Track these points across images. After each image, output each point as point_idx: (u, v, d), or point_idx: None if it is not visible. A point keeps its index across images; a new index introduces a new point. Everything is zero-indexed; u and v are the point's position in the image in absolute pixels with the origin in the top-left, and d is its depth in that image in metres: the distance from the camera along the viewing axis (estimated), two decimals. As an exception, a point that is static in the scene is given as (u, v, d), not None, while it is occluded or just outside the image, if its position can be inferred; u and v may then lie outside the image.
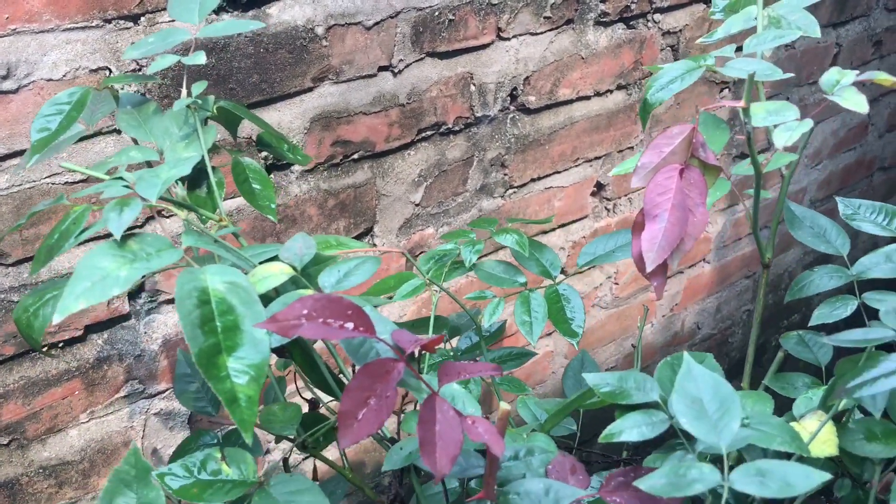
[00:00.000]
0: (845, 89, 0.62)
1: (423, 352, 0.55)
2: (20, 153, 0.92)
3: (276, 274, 0.58)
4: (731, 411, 0.52)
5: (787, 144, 0.56)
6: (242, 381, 0.52)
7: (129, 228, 0.56)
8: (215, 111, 0.71)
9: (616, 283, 1.71)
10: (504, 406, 0.53)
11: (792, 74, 0.63)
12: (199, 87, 0.67)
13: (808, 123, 0.59)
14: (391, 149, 1.25)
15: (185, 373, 0.80)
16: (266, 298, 0.59)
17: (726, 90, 1.71)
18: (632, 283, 1.72)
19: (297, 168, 1.17)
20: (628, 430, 0.59)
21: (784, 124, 0.58)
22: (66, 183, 0.97)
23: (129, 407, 1.14)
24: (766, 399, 0.67)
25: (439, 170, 1.33)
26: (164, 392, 1.16)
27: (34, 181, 0.94)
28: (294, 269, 0.59)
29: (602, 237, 0.77)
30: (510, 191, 1.44)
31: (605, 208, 1.61)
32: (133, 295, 1.09)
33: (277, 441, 0.75)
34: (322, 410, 0.82)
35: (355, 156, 1.22)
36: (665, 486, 0.51)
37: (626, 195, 1.63)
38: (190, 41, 0.70)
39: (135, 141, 0.72)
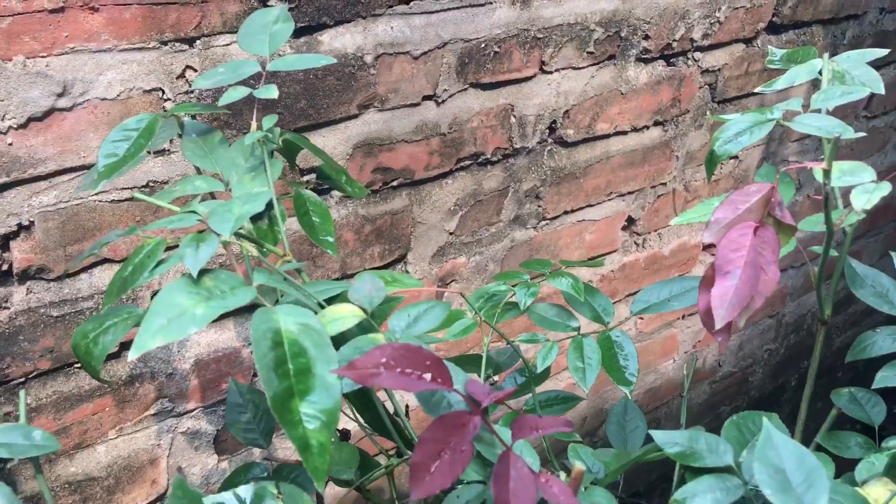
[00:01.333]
0: None
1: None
2: (70, 170, 0.92)
3: (347, 316, 0.58)
4: (818, 486, 0.51)
5: (866, 207, 0.56)
6: (314, 427, 0.51)
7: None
8: (280, 144, 0.70)
9: (641, 318, 1.70)
10: (579, 466, 0.53)
11: (864, 133, 0.62)
12: (269, 121, 0.67)
13: (886, 187, 0.58)
14: (430, 177, 1.25)
15: (237, 402, 0.79)
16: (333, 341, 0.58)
17: (759, 130, 1.71)
18: (656, 318, 1.72)
19: (336, 193, 1.17)
20: (702, 494, 0.58)
21: (861, 186, 0.58)
22: (111, 201, 0.97)
23: (158, 425, 1.13)
24: (829, 463, 0.66)
25: (475, 199, 1.32)
26: (192, 411, 1.16)
27: (81, 198, 0.94)
28: (364, 311, 0.59)
29: (656, 284, 0.76)
30: (543, 222, 1.44)
31: (635, 243, 1.61)
32: (169, 314, 1.08)
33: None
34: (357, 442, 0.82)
35: (394, 183, 1.22)
36: None
37: (656, 230, 1.62)
38: (259, 73, 0.70)
39: (198, 170, 0.72)
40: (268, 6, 0.97)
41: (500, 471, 0.50)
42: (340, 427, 1.02)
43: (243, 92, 0.67)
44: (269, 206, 0.69)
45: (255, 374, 1.21)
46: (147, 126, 0.67)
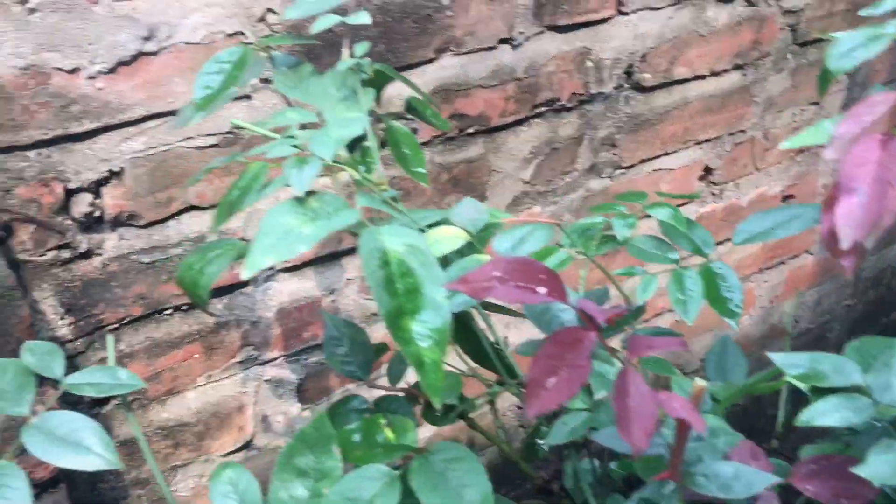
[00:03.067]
0: None
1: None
2: (159, 115, 0.92)
3: (452, 237, 0.57)
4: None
5: None
6: (426, 345, 0.51)
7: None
8: (371, 74, 0.69)
9: (718, 271, 1.66)
10: (699, 382, 0.51)
11: None
12: (361, 48, 0.66)
13: None
14: (505, 124, 1.23)
15: (333, 336, 0.80)
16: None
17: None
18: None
19: (413, 140, 1.16)
20: (829, 413, 0.56)
21: None
22: (198, 147, 0.97)
23: (244, 373, 1.15)
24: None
25: (550, 147, 1.30)
26: (276, 359, 1.17)
27: (169, 144, 0.95)
28: (469, 233, 0.58)
29: (757, 214, 0.73)
30: (618, 171, 1.41)
31: (712, 193, 1.57)
32: (252, 262, 1.09)
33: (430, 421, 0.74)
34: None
35: (470, 130, 1.20)
36: (891, 474, 0.49)
37: (733, 180, 1.58)
38: (346, 4, 0.69)
39: (288, 103, 0.71)
40: (347, -54, 0.96)
41: (620, 387, 0.49)
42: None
43: (334, 20, 0.66)
44: (363, 137, 0.68)
45: (334, 324, 1.21)
46: (240, 58, 0.67)
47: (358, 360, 0.77)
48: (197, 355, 1.09)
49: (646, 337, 0.51)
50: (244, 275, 0.50)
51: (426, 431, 1.33)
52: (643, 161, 1.43)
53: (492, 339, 0.66)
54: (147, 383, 1.07)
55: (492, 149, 1.24)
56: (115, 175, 0.93)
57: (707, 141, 1.49)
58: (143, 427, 1.08)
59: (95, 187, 0.93)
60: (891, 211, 0.54)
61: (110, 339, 0.74)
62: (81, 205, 0.92)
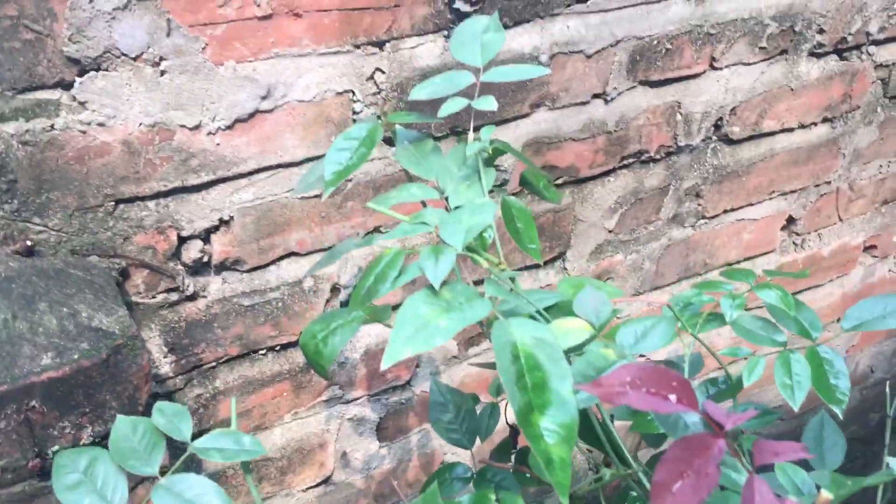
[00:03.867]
0: None
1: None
2: (268, 168, 0.96)
3: (577, 330, 0.58)
4: None
5: None
6: (553, 441, 0.52)
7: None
8: (491, 152, 0.71)
9: (794, 320, 1.64)
10: (826, 494, 0.52)
11: None
12: (488, 132, 0.68)
13: None
14: (593, 175, 1.25)
15: (439, 401, 0.82)
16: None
17: (932, 126, 1.61)
18: (811, 321, 1.65)
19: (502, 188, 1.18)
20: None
21: None
22: (301, 198, 1.01)
23: (328, 411, 1.18)
24: None
25: (635, 197, 1.31)
26: (358, 399, 1.20)
27: (275, 195, 0.98)
28: (592, 326, 0.60)
29: (869, 300, 0.73)
30: (701, 221, 1.41)
31: (794, 243, 1.55)
32: (343, 305, 1.12)
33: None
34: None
35: (559, 180, 1.21)
36: None
37: (816, 230, 1.56)
38: (473, 84, 0.71)
39: (409, 177, 0.74)
40: (462, 12, 0.99)
41: (748, 496, 0.50)
42: (511, 422, 1.03)
43: (462, 103, 0.68)
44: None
45: (417, 365, 1.24)
46: (368, 134, 0.70)
47: (463, 429, 0.79)
48: (286, 393, 1.13)
49: (770, 442, 0.52)
50: (384, 366, 0.52)
51: None
52: (726, 211, 1.43)
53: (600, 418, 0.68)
54: (238, 419, 1.11)
55: (579, 199, 1.25)
56: (224, 223, 0.97)
57: (792, 192, 1.48)
58: (231, 462, 1.12)
59: (206, 234, 0.96)
60: None
61: (233, 401, 0.77)
62: (192, 251, 0.96)
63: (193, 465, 1.10)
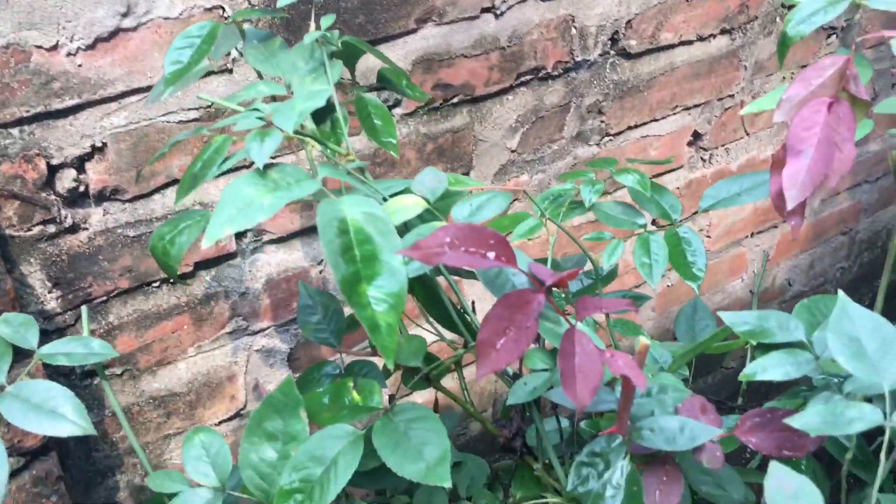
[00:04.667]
0: None
1: (555, 287, 0.55)
2: (138, 91, 0.94)
3: (411, 206, 0.58)
4: (894, 350, 0.51)
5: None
6: (382, 309, 0.52)
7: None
8: (340, 46, 0.70)
9: (708, 236, 1.67)
10: (644, 340, 0.53)
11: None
12: (328, 21, 0.67)
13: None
14: (490, 93, 1.24)
15: (307, 304, 0.81)
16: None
17: (833, 37, 1.63)
18: (724, 236, 1.68)
19: (397, 112, 1.17)
20: (772, 368, 0.58)
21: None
22: (179, 122, 0.99)
23: (233, 343, 1.17)
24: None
25: (536, 116, 1.31)
26: (266, 329, 1.19)
27: (150, 119, 0.96)
28: (427, 201, 0.60)
29: (725, 181, 0.74)
30: (606, 138, 1.41)
31: (701, 158, 1.57)
32: (239, 234, 1.11)
33: (386, 378, 0.76)
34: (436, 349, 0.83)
35: (455, 100, 1.21)
36: (820, 425, 0.50)
37: (723, 145, 1.58)
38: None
39: (260, 76, 0.73)
40: (321, -83, 0.97)
41: (566, 347, 0.50)
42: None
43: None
44: (332, 108, 0.70)
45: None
46: (209, 32, 0.68)
47: (331, 328, 0.79)
48: (186, 326, 1.11)
49: (594, 298, 0.53)
50: (204, 244, 0.52)
51: (419, 398, 1.35)
52: (631, 128, 1.43)
53: (459, 305, 0.68)
54: (138, 354, 1.09)
55: (477, 118, 1.25)
56: (97, 150, 0.95)
57: (696, 106, 1.49)
58: (134, 397, 1.11)
59: (79, 163, 0.94)
60: (836, 172, 0.56)
61: (84, 309, 0.76)
62: (66, 180, 0.94)
63: (95, 402, 1.09)
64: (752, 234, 1.73)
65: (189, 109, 0.98)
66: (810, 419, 0.51)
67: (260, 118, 0.59)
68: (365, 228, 0.54)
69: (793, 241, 1.72)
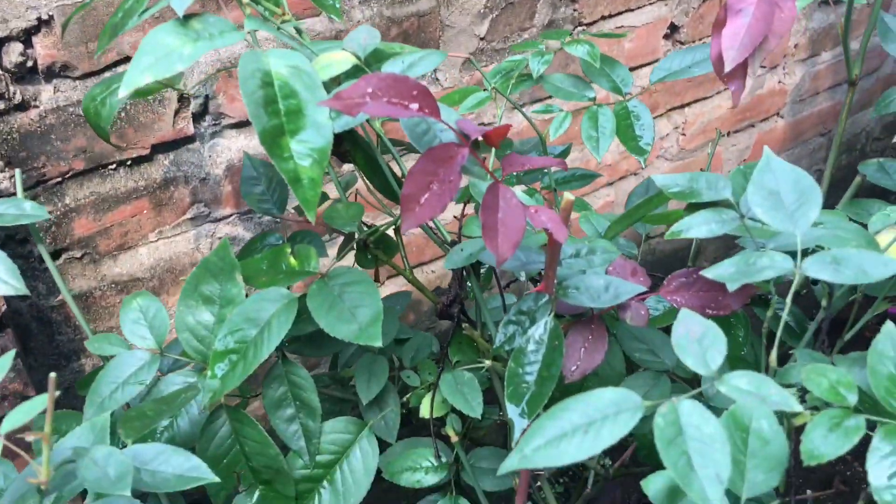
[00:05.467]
0: None
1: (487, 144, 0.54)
2: (82, -40, 0.90)
3: (340, 61, 0.57)
4: (811, 201, 0.50)
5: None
6: (306, 164, 0.52)
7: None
8: None
9: (683, 134, 1.65)
10: (568, 196, 0.52)
11: None
12: None
13: None
14: (457, -24, 1.20)
15: (251, 175, 0.81)
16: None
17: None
18: (699, 134, 1.67)
19: (359, -8, 1.13)
20: (697, 226, 0.57)
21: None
22: (128, -5, 0.95)
23: (196, 229, 1.17)
24: (842, 215, 0.64)
25: (506, 1, 1.27)
26: (229, 217, 1.19)
27: (97, -9, 0.93)
28: (357, 57, 0.58)
29: (679, 52, 0.73)
30: (579, 28, 1.38)
31: (678, 53, 1.54)
32: (197, 117, 1.09)
33: (339, 254, 0.76)
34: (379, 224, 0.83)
35: (419, -18, 1.17)
36: (734, 274, 0.50)
37: (701, 39, 1.54)
38: None
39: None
40: None
41: (489, 201, 0.50)
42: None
43: None
44: (270, -30, 0.67)
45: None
46: None
47: (274, 198, 0.78)
48: (146, 211, 1.11)
49: (521, 155, 0.52)
50: (121, 92, 0.50)
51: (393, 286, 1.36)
52: (605, 17, 1.40)
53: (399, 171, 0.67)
54: (97, 238, 1.09)
55: (444, 2, 1.21)
56: (44, 23, 0.92)
57: (673, -3, 1.45)
58: (96, 281, 1.11)
59: (26, 36, 0.92)
60: (777, 33, 0.54)
61: (18, 172, 0.74)
62: (13, 54, 0.92)
63: (55, 285, 1.09)
64: (729, 134, 1.72)
65: (137, -18, 0.95)
66: (725, 270, 0.51)
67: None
68: (290, 82, 0.53)
69: (733, 106, 1.69)
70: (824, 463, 0.51)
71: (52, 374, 0.41)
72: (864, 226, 0.71)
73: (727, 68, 0.55)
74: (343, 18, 0.70)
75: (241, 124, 1.13)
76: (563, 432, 0.44)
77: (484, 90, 0.79)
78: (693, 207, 0.59)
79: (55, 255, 1.07)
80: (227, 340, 0.60)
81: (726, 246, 1.78)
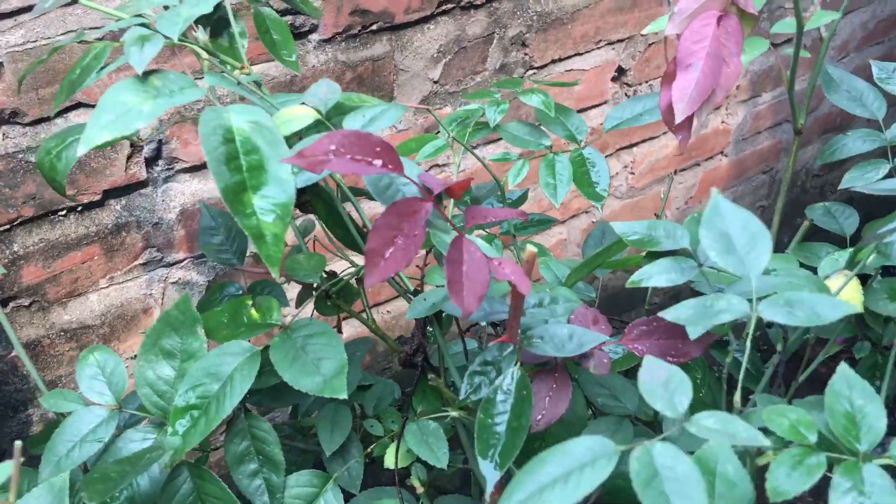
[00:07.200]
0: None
1: (449, 198, 0.55)
2: (34, 6, 0.89)
3: (301, 116, 0.57)
4: (761, 245, 0.52)
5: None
6: (269, 220, 0.52)
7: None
8: (235, -44, 0.68)
9: (632, 173, 1.69)
10: (531, 248, 0.53)
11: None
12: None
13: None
14: (410, 21, 1.22)
15: (209, 225, 0.80)
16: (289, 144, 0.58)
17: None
18: (648, 173, 1.71)
19: (314, 37, 1.14)
20: (657, 275, 0.59)
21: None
22: (81, 42, 0.95)
23: (148, 275, 1.15)
24: (793, 260, 0.67)
25: (459, 46, 1.29)
26: (182, 261, 1.17)
27: (49, 37, 0.92)
28: (318, 112, 0.58)
29: (630, 101, 0.75)
30: (530, 72, 1.41)
31: (626, 94, 1.58)
32: (150, 162, 1.08)
33: (299, 304, 0.75)
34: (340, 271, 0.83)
35: (374, 27, 1.18)
36: (691, 317, 0.52)
37: (647, 81, 1.59)
38: None
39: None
40: None
41: (453, 255, 0.50)
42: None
43: None
44: (229, 23, 0.67)
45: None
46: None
47: (233, 248, 0.77)
48: (97, 257, 1.09)
49: (483, 208, 0.53)
50: (79, 150, 0.50)
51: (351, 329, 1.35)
52: (555, 61, 1.43)
53: (364, 225, 0.68)
54: (46, 286, 1.07)
55: (398, 47, 1.23)
56: (-8, 70, 0.90)
57: (619, 41, 1.50)
58: (45, 329, 1.08)
59: (-27, 83, 0.90)
60: (723, 87, 0.56)
61: None
62: (-41, 101, 0.90)
63: (4, 335, 1.06)
64: (675, 172, 1.76)
65: (92, 28, 0.94)
66: (683, 312, 0.53)
67: (143, 24, 0.57)
68: (252, 138, 0.53)
69: (679, 154, 1.74)
70: (789, 500, 0.52)
71: (18, 443, 0.40)
72: (814, 269, 0.73)
73: (677, 120, 0.57)
74: (300, 71, 0.71)
75: (195, 168, 1.13)
76: (542, 485, 0.45)
77: (437, 133, 0.80)
78: (652, 255, 0.61)
79: (3, 304, 1.04)
80: (189, 396, 0.59)
81: (676, 281, 1.82)
